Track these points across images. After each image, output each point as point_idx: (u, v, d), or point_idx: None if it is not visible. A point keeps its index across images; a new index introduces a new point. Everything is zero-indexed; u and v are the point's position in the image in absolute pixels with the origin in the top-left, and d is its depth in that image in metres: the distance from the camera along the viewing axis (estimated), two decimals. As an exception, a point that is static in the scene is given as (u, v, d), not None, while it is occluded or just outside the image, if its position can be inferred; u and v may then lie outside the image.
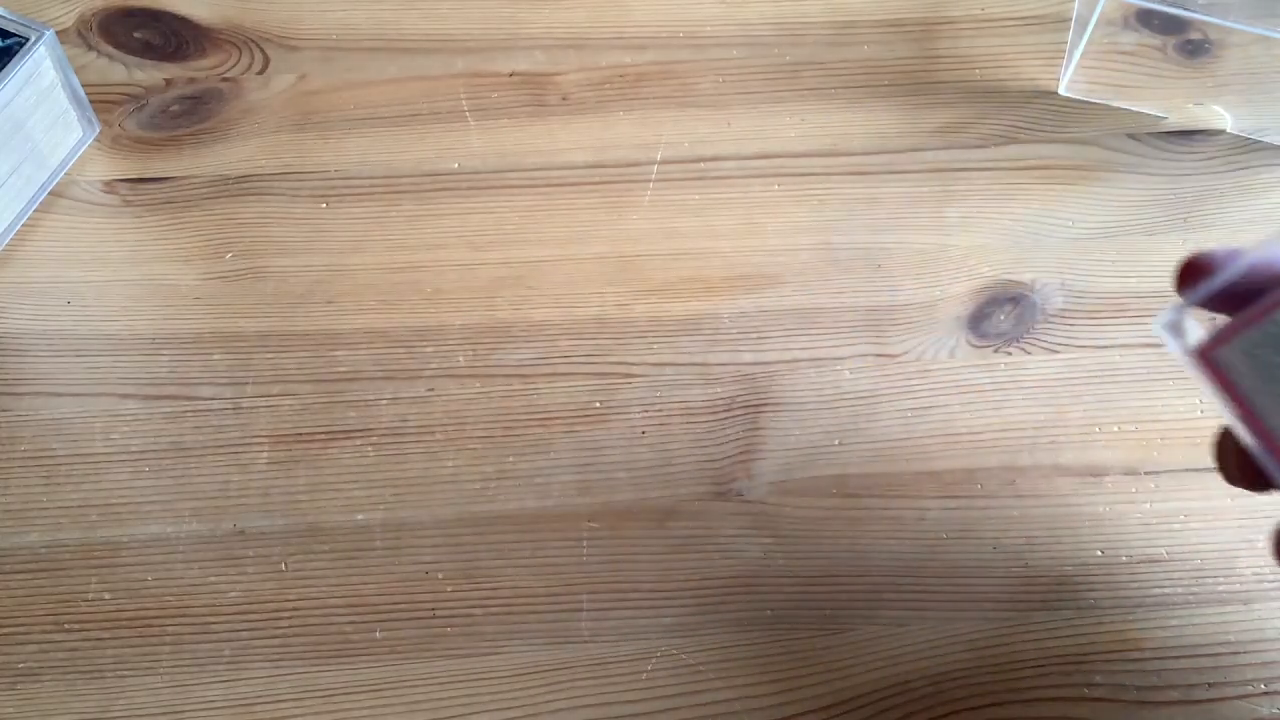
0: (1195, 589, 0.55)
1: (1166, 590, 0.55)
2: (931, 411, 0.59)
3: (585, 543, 0.56)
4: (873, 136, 0.67)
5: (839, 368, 0.61)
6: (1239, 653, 0.54)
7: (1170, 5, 0.68)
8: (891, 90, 0.68)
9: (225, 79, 0.69)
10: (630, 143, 0.67)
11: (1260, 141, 0.68)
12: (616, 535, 0.56)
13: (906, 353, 0.61)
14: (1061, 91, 0.70)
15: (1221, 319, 0.35)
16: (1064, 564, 0.56)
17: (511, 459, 0.58)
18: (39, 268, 0.62)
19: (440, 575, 0.55)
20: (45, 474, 0.57)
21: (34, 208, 0.64)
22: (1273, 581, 0.56)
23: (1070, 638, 0.54)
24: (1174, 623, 0.55)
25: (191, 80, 0.69)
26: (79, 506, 0.56)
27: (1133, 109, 0.69)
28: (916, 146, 0.67)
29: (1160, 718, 0.53)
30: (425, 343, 0.61)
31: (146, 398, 0.59)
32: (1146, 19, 0.69)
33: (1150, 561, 0.56)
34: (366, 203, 0.65)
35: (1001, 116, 0.68)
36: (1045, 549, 0.56)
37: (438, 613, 0.54)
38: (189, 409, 0.59)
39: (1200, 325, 0.35)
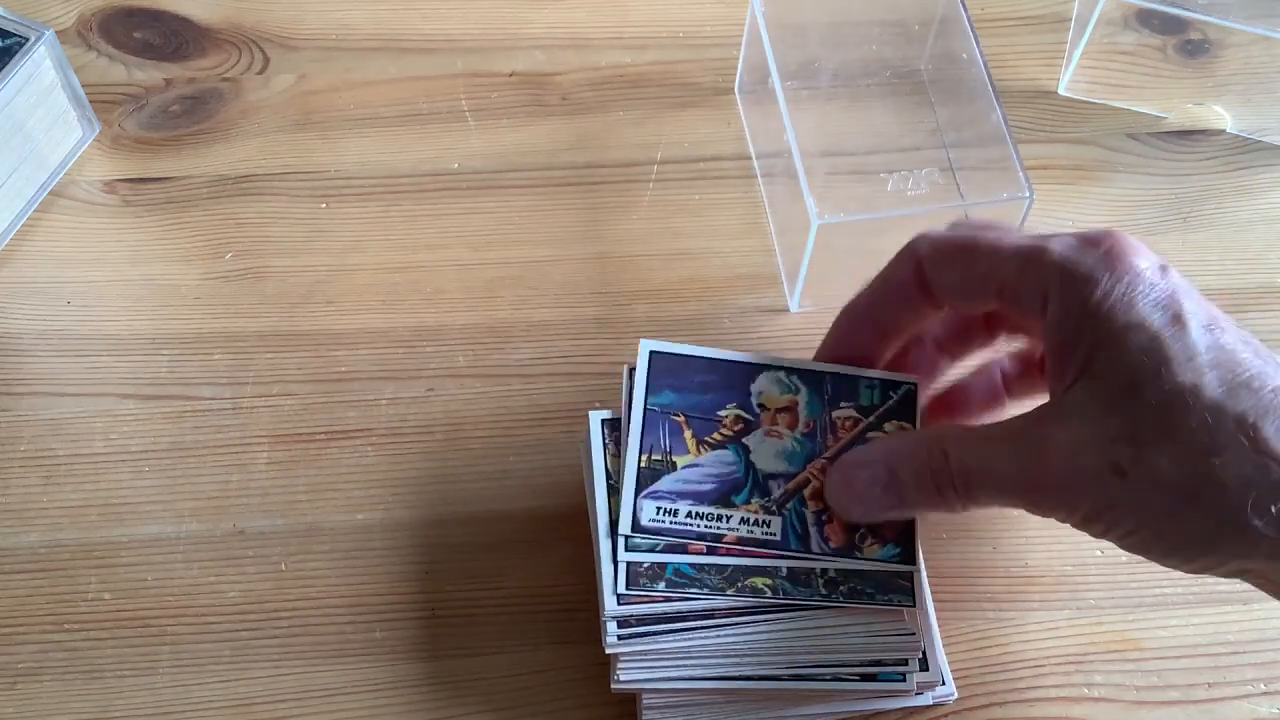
0: (1195, 589, 0.55)
1: (1166, 590, 0.55)
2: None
3: (585, 542, 0.55)
4: (872, 135, 0.67)
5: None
6: (1239, 653, 0.54)
7: (1170, 5, 0.68)
8: (891, 89, 0.68)
9: (225, 79, 0.69)
10: (630, 143, 0.67)
11: (1260, 141, 0.68)
12: (616, 535, 0.56)
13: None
14: (1061, 91, 0.70)
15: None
16: (1064, 564, 0.56)
17: (511, 459, 0.58)
18: (39, 268, 0.62)
19: (440, 575, 0.55)
20: (45, 474, 0.57)
21: (34, 208, 0.64)
22: (1273, 581, 0.56)
23: (1070, 638, 0.54)
24: (1174, 623, 0.55)
25: (191, 80, 0.69)
26: (79, 506, 0.56)
27: (1133, 109, 0.69)
28: (916, 145, 0.67)
29: (1160, 718, 0.53)
30: (425, 343, 0.61)
31: (146, 398, 0.59)
32: (1146, 19, 0.69)
33: (1150, 561, 0.56)
34: (366, 203, 0.65)
35: (1001, 116, 0.68)
36: (1045, 549, 0.56)
37: (437, 613, 0.54)
38: (189, 409, 0.59)
39: None
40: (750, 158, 0.67)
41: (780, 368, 0.51)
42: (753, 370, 0.50)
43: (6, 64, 0.60)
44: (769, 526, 0.47)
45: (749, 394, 0.50)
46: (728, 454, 0.49)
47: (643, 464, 0.48)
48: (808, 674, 0.48)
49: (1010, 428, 0.45)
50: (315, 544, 0.56)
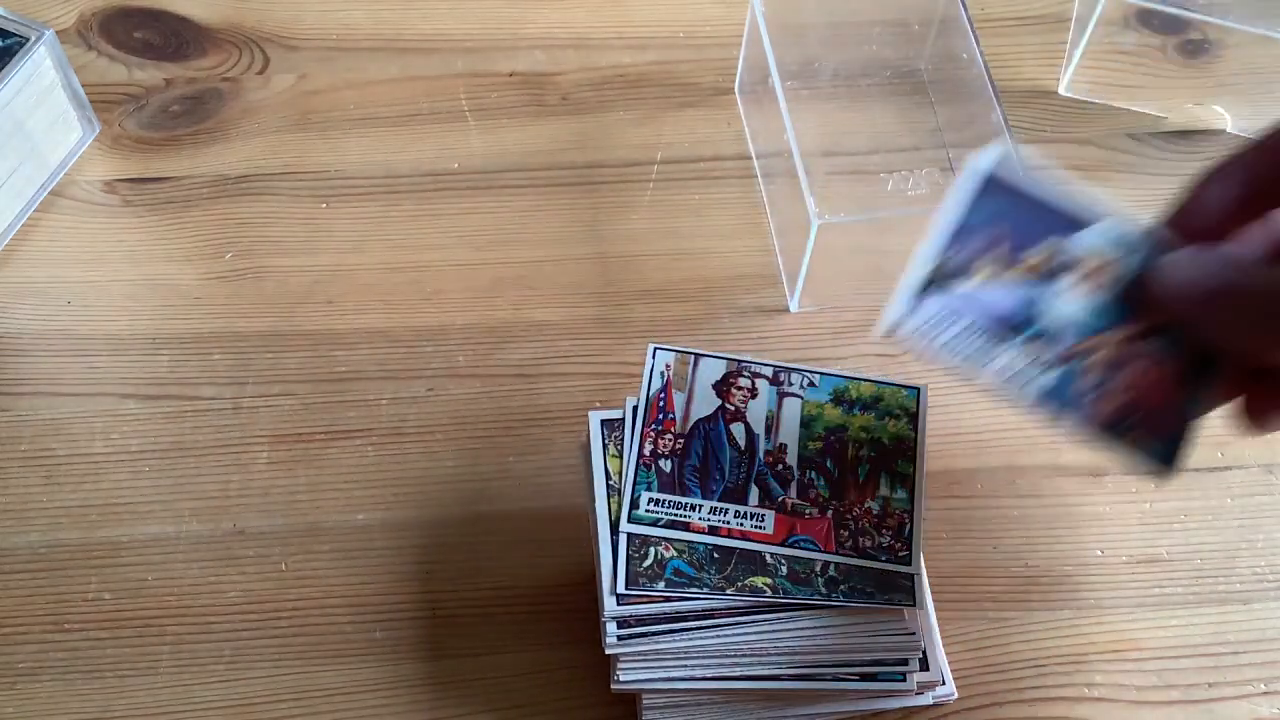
0: (1195, 589, 0.55)
1: (1166, 590, 0.55)
2: (932, 411, 0.59)
3: (585, 542, 0.55)
4: (872, 136, 0.67)
5: (840, 368, 0.60)
6: (1239, 653, 0.54)
7: (1170, 5, 0.68)
8: (891, 90, 0.68)
9: (225, 79, 0.69)
10: (630, 143, 0.67)
11: (1260, 141, 0.68)
12: (616, 535, 0.56)
13: (906, 352, 0.61)
14: (1061, 91, 0.70)
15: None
16: (1064, 564, 0.56)
17: (511, 459, 0.58)
18: (39, 268, 0.62)
19: (440, 575, 0.55)
20: (45, 474, 0.57)
21: (34, 208, 0.64)
22: (1273, 581, 0.56)
23: (1070, 638, 0.54)
24: (1174, 623, 0.55)
25: (191, 80, 0.69)
26: (79, 506, 0.56)
27: (1133, 109, 0.69)
28: (916, 145, 0.67)
29: (1160, 718, 0.53)
30: (425, 343, 0.61)
31: (146, 398, 0.59)
32: (1146, 19, 0.69)
33: (1150, 561, 0.56)
34: (366, 203, 0.65)
35: (1001, 116, 0.68)
36: (1045, 549, 0.56)
37: (438, 613, 0.54)
38: (189, 409, 0.59)
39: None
40: (750, 158, 0.67)
41: (1125, 226, 0.44)
42: (1090, 218, 0.44)
43: (6, 64, 0.60)
44: (1039, 378, 0.43)
45: (1074, 239, 0.44)
46: (1024, 291, 0.44)
47: (937, 264, 0.44)
48: (808, 674, 0.48)
49: None
50: (315, 544, 0.56)
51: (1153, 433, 0.43)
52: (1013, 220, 0.44)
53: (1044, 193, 0.44)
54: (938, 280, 0.44)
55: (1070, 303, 0.44)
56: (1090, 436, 0.44)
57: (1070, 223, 0.44)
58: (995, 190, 0.45)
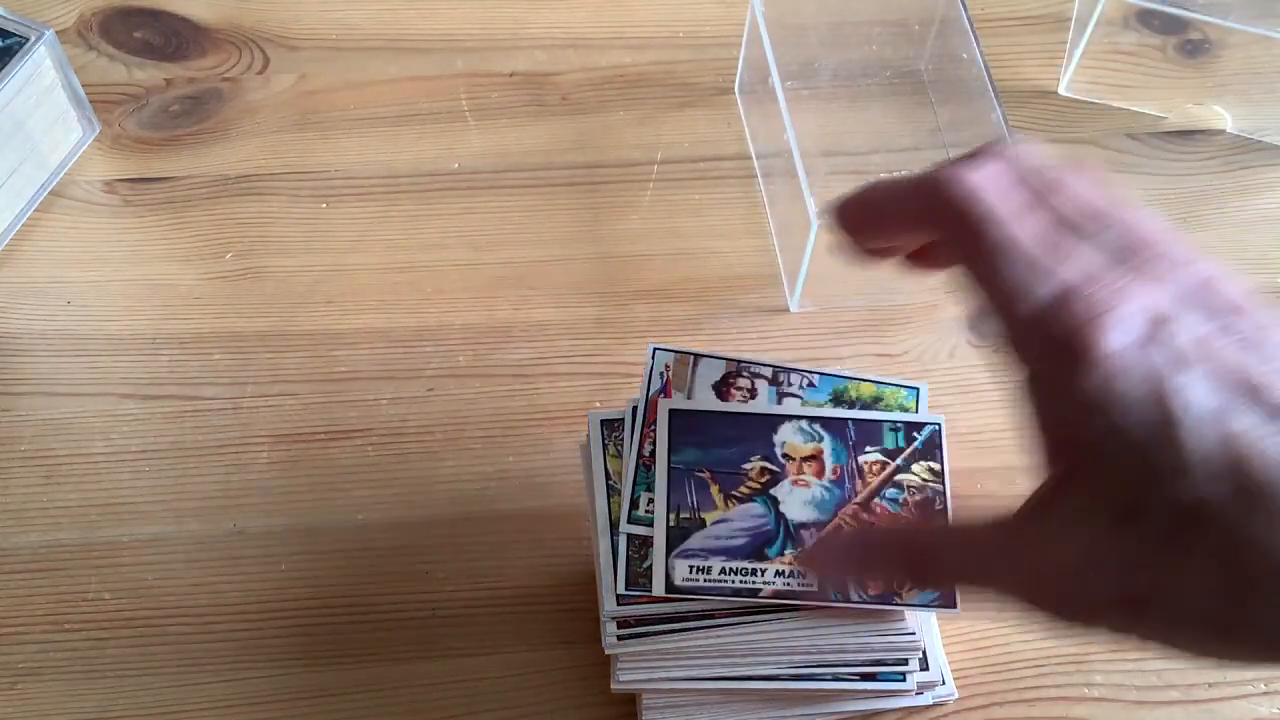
0: (1195, 589, 0.55)
1: (1166, 590, 0.55)
2: (932, 411, 0.59)
3: (585, 542, 0.55)
4: (872, 135, 0.67)
5: (840, 368, 0.60)
6: (1239, 653, 0.54)
7: (1170, 5, 0.68)
8: (891, 90, 0.68)
9: (225, 79, 0.69)
10: (630, 143, 0.67)
11: (1260, 141, 0.68)
12: (616, 535, 0.56)
13: (906, 353, 0.61)
14: (1061, 91, 0.70)
15: None
16: (1064, 564, 0.56)
17: (511, 459, 0.58)
18: (39, 268, 0.62)
19: (440, 575, 0.55)
20: (45, 474, 0.57)
21: (34, 208, 0.64)
22: (1273, 581, 0.56)
23: (1070, 638, 0.54)
24: (1174, 623, 0.55)
25: (191, 80, 0.69)
26: (79, 506, 0.56)
27: (1133, 109, 0.69)
28: (916, 146, 0.67)
29: (1160, 718, 0.53)
30: (425, 343, 0.61)
31: (146, 398, 0.59)
32: (1146, 19, 0.69)
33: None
34: (366, 203, 0.65)
35: (1001, 116, 0.68)
36: (1045, 549, 0.56)
37: (437, 613, 0.54)
38: (189, 409, 0.59)
39: None
40: (750, 158, 0.67)
41: (801, 417, 0.49)
42: (774, 421, 0.49)
43: (6, 64, 0.60)
44: (806, 577, 0.46)
45: (773, 445, 0.49)
46: (757, 506, 0.48)
47: (671, 523, 0.47)
48: (808, 674, 0.48)
49: (1004, 532, 0.38)
50: (315, 544, 0.56)
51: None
52: (714, 449, 0.48)
53: (726, 410, 0.49)
54: (677, 535, 0.47)
55: (801, 499, 0.48)
56: (871, 606, 0.46)
57: (764, 426, 0.49)
58: (684, 429, 0.48)
